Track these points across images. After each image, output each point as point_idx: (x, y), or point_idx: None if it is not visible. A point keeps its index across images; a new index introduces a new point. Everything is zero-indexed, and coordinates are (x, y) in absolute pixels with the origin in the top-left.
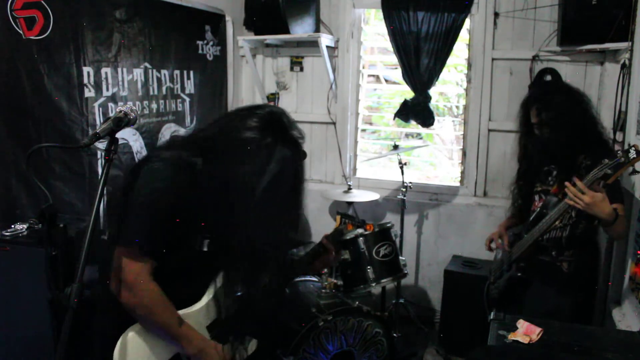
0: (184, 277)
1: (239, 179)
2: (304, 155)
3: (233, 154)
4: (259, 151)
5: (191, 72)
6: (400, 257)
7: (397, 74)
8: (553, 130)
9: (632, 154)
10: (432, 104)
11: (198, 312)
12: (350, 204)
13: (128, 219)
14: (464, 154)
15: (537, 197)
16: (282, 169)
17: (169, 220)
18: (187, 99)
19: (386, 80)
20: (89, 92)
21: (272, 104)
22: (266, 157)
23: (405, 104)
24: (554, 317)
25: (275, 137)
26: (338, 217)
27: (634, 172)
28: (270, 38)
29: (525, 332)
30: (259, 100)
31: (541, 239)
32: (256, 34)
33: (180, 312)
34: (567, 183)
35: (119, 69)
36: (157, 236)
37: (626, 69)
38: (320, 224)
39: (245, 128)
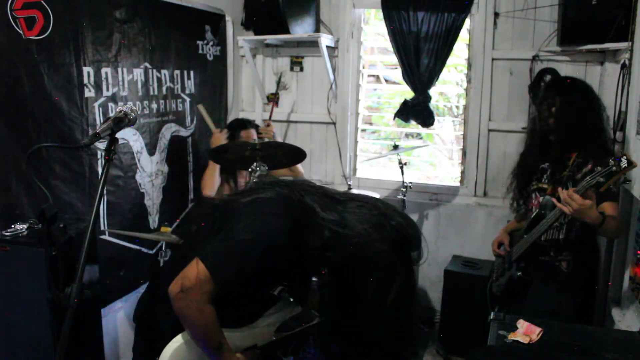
0: (238, 305)
1: (360, 284)
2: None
3: (360, 260)
4: (384, 268)
5: (191, 72)
6: None
7: (397, 74)
8: (558, 118)
9: (624, 163)
10: (432, 104)
11: (239, 336)
12: None
13: (223, 247)
14: (464, 154)
15: (533, 195)
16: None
17: (260, 268)
18: (188, 99)
19: (386, 80)
20: (89, 92)
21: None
22: (389, 275)
23: (405, 104)
24: (555, 316)
25: (403, 260)
26: None
27: (625, 181)
28: (270, 38)
29: (525, 332)
30: (259, 100)
31: (540, 239)
32: (256, 34)
33: (226, 331)
34: (559, 189)
35: (119, 69)
36: (241, 276)
37: (626, 69)
38: None
39: (378, 239)
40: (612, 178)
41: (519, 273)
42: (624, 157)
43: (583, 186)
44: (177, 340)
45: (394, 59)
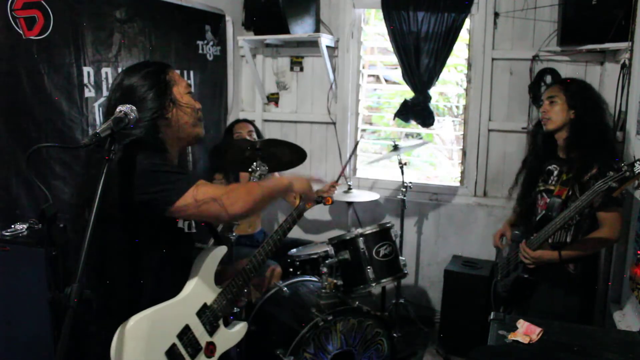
0: (173, 264)
1: None
2: None
3: None
4: None
5: (191, 72)
6: (400, 257)
7: (397, 74)
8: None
9: (638, 168)
10: (432, 104)
11: (184, 300)
12: (350, 204)
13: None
14: (464, 154)
15: (539, 197)
16: None
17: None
18: None
19: (386, 80)
20: (89, 92)
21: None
22: None
23: (405, 104)
24: (562, 318)
25: None
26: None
27: (639, 186)
28: (270, 38)
29: (525, 332)
30: (259, 100)
31: (547, 240)
32: (256, 34)
33: (168, 302)
34: (521, 245)
35: (120, 69)
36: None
37: (626, 69)
38: (320, 224)
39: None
40: (625, 183)
41: (526, 275)
42: (638, 161)
43: (594, 191)
44: (124, 326)
45: (394, 59)
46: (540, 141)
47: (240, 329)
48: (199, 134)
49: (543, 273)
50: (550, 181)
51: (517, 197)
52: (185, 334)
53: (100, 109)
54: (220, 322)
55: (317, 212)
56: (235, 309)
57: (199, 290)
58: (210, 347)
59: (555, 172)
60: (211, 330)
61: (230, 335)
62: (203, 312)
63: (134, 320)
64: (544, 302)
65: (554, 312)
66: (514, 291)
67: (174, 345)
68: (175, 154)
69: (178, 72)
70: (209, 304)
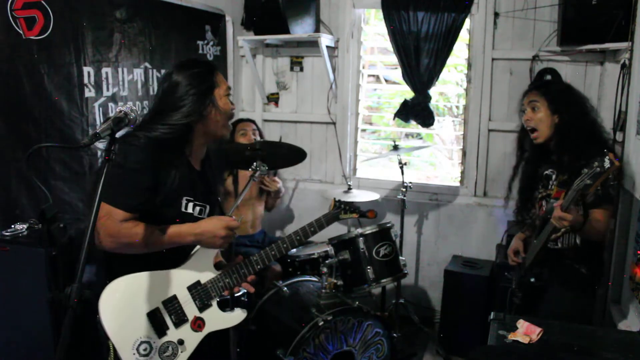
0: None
1: None
2: None
3: None
4: None
5: None
6: (400, 257)
7: (397, 74)
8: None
9: (607, 163)
10: (432, 104)
11: (177, 273)
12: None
13: (114, 182)
14: (464, 154)
15: (543, 203)
16: None
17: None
18: None
19: (386, 80)
20: (89, 92)
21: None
22: None
23: (405, 104)
24: (576, 320)
25: None
26: (332, 201)
27: (614, 182)
28: (270, 38)
29: (525, 332)
30: (259, 100)
31: (552, 243)
32: (256, 34)
33: (161, 271)
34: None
35: (119, 69)
36: (139, 194)
37: (626, 69)
38: None
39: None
40: (599, 179)
41: (532, 279)
42: (607, 157)
43: (573, 189)
44: (111, 285)
45: (394, 59)
46: (529, 147)
47: (236, 314)
48: (225, 135)
49: (556, 277)
50: (550, 186)
51: (516, 207)
52: (171, 302)
53: (101, 109)
54: (214, 302)
55: (317, 212)
56: (229, 295)
57: (194, 267)
58: (198, 322)
59: (553, 176)
60: (201, 306)
61: (223, 317)
62: (194, 288)
63: (123, 278)
64: (556, 305)
65: (566, 314)
66: (525, 297)
67: (157, 309)
68: (202, 146)
69: None
70: (202, 282)
